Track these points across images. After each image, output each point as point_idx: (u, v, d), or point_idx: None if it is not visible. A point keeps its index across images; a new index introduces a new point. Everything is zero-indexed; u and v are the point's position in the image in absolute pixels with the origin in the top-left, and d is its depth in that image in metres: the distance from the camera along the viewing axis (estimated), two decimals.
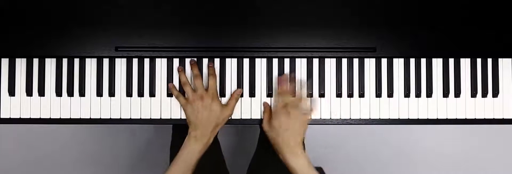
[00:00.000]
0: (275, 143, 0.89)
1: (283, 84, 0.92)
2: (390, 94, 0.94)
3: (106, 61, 0.94)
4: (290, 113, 0.88)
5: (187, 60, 0.94)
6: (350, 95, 0.94)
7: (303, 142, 1.05)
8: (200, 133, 0.89)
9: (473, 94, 0.95)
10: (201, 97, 0.89)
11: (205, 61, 0.94)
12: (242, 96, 0.94)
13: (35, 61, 0.94)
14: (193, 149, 0.89)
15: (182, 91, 0.93)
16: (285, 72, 0.94)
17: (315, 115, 0.94)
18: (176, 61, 0.94)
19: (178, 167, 0.88)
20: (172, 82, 0.94)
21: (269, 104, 0.94)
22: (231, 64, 0.95)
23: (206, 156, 0.92)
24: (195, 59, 0.94)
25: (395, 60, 0.95)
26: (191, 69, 0.93)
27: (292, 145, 0.87)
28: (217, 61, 0.94)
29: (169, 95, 0.94)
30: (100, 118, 0.94)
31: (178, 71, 0.93)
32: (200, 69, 0.93)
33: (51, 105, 0.94)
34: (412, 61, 0.95)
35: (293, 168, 0.86)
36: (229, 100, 0.93)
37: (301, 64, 0.95)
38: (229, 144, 1.72)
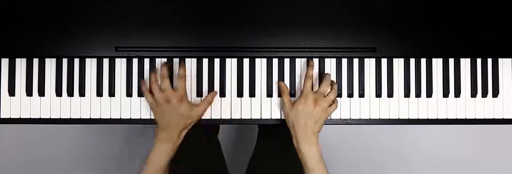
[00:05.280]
0: (294, 126, 0.87)
1: (312, 68, 0.91)
2: (390, 94, 0.94)
3: (106, 61, 0.94)
4: (318, 100, 0.87)
5: (187, 60, 0.94)
6: (350, 95, 0.94)
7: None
8: (167, 135, 0.87)
9: (473, 94, 0.95)
10: (168, 98, 0.88)
11: (205, 61, 0.94)
12: (242, 96, 0.94)
13: (35, 61, 0.94)
14: (162, 151, 0.87)
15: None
16: (286, 71, 0.94)
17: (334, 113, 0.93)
18: (176, 61, 0.94)
19: (149, 170, 0.87)
20: (172, 82, 0.94)
21: (269, 105, 0.94)
22: (231, 64, 0.94)
23: (206, 156, 0.92)
24: (165, 60, 0.93)
25: (395, 60, 0.95)
26: (160, 68, 0.91)
27: (309, 132, 0.86)
28: (217, 61, 0.94)
29: None
30: (100, 118, 0.94)
31: (154, 71, 0.92)
32: (200, 70, 0.93)
33: (51, 105, 0.94)
34: (412, 61, 0.95)
35: (304, 154, 0.85)
36: (200, 102, 0.91)
37: (301, 64, 0.95)
38: (229, 144, 1.72)
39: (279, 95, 0.94)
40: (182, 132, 0.89)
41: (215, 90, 0.94)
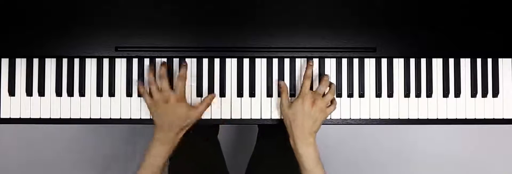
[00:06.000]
0: (291, 126, 0.87)
1: (311, 68, 0.91)
2: (390, 94, 0.94)
3: (106, 61, 0.94)
4: (316, 100, 0.87)
5: (187, 60, 0.94)
6: (350, 95, 0.94)
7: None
8: (164, 135, 0.87)
9: (473, 94, 0.95)
10: (167, 98, 0.87)
11: (205, 61, 0.94)
12: (242, 96, 0.94)
13: (35, 61, 0.94)
14: (158, 152, 0.87)
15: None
16: (286, 71, 0.94)
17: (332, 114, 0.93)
18: (176, 61, 0.94)
19: (145, 171, 0.86)
20: (172, 82, 0.94)
21: (268, 105, 0.94)
22: (231, 64, 0.94)
23: (206, 155, 0.92)
24: (165, 59, 0.93)
25: (395, 60, 0.95)
26: (159, 68, 0.90)
27: (306, 132, 0.86)
28: (217, 61, 0.94)
29: None
30: (100, 118, 0.94)
31: (150, 70, 0.91)
32: (200, 70, 0.93)
33: (51, 105, 0.94)
34: (412, 61, 0.95)
35: (301, 155, 0.85)
36: (199, 104, 0.90)
37: (301, 64, 0.95)
38: (228, 144, 1.72)
39: (279, 95, 0.94)
40: (179, 133, 0.88)
41: (215, 90, 0.94)
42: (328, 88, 0.91)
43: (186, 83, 0.91)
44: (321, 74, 0.94)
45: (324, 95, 0.90)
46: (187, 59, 0.94)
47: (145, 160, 0.87)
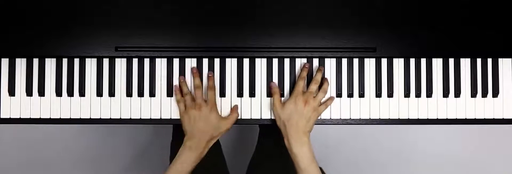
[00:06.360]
0: (285, 126, 0.88)
1: (306, 70, 0.92)
2: (390, 94, 0.94)
3: (106, 61, 0.94)
4: (308, 99, 0.88)
5: (187, 61, 0.94)
6: (350, 95, 0.94)
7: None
8: (195, 143, 0.88)
9: (473, 94, 0.95)
10: (200, 107, 0.89)
11: (205, 61, 0.94)
12: (242, 96, 0.94)
13: (35, 61, 0.94)
14: (187, 159, 0.88)
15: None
16: (286, 71, 0.94)
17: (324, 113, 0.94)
18: (176, 61, 0.94)
19: None
20: (172, 82, 0.94)
21: (268, 105, 0.94)
22: (231, 64, 0.95)
23: (206, 156, 0.92)
24: (195, 66, 0.94)
25: (395, 60, 0.95)
26: (193, 78, 0.93)
27: (300, 132, 0.87)
28: (217, 61, 0.94)
29: (169, 94, 0.94)
30: (100, 118, 0.94)
31: (179, 82, 0.93)
32: (200, 70, 0.93)
33: (51, 105, 0.94)
34: (412, 61, 0.95)
35: (296, 154, 0.86)
36: (230, 114, 0.92)
37: (301, 64, 0.95)
38: (229, 144, 1.72)
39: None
40: (209, 142, 0.89)
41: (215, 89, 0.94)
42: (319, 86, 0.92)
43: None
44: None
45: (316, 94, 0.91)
46: (187, 59, 0.94)
47: (172, 165, 0.88)
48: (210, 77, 0.93)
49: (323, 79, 0.93)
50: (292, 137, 0.87)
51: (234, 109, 0.93)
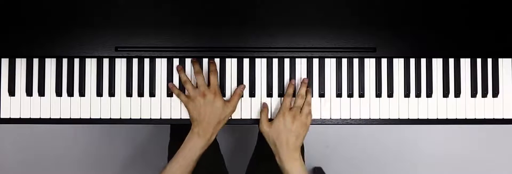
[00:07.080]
0: (275, 144, 0.89)
1: (292, 87, 0.92)
2: (390, 94, 0.94)
3: (106, 61, 0.94)
4: (295, 115, 0.89)
5: (188, 60, 0.94)
6: (350, 95, 0.94)
7: (303, 147, 1.05)
8: (203, 128, 0.89)
9: (473, 94, 0.95)
10: (203, 93, 0.89)
11: (205, 61, 0.94)
12: (242, 96, 0.94)
13: (35, 61, 0.94)
14: (195, 145, 0.88)
15: (182, 89, 0.93)
16: (286, 71, 0.94)
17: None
18: (176, 61, 0.94)
19: (178, 164, 0.88)
20: (172, 82, 0.94)
21: (268, 105, 0.94)
22: (231, 64, 0.95)
23: (205, 156, 0.92)
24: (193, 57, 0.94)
25: (395, 60, 0.95)
26: (192, 66, 0.93)
27: (291, 148, 0.88)
28: (217, 61, 0.94)
29: (169, 94, 0.94)
30: (100, 118, 0.94)
31: (178, 70, 0.93)
32: (201, 67, 0.93)
33: (51, 105, 0.94)
34: (412, 61, 0.95)
35: (288, 171, 0.87)
36: (231, 97, 0.92)
37: (301, 64, 0.95)
38: (228, 144, 1.72)
39: (279, 95, 0.94)
40: (216, 127, 0.90)
41: None
42: (304, 100, 0.92)
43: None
44: (320, 75, 0.94)
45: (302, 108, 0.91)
46: (186, 60, 0.94)
47: (180, 152, 0.89)
48: (212, 63, 0.92)
49: (307, 92, 0.93)
50: (283, 155, 0.87)
51: (236, 90, 0.93)
